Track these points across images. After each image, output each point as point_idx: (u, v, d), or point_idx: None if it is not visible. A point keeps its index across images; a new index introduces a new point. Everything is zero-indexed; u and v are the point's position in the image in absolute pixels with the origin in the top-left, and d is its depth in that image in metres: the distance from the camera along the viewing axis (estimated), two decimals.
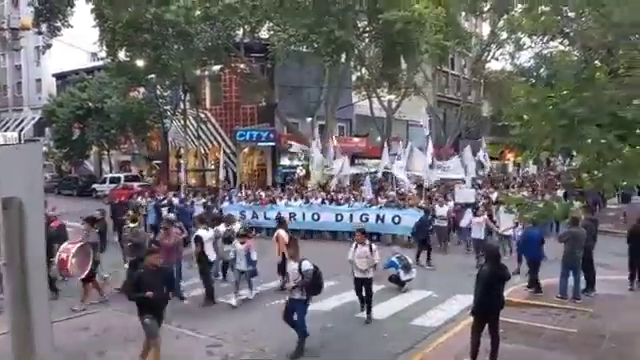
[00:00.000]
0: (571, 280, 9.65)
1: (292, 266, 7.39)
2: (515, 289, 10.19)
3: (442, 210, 15.01)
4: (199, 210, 17.45)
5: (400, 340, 7.91)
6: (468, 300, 8.78)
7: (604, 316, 8.77)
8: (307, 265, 7.19)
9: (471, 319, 6.93)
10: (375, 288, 10.44)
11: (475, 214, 13.46)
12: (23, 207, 2.18)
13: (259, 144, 29.05)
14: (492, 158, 45.31)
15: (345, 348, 7.62)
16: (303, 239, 16.50)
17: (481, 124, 44.51)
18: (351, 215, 16.36)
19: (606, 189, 7.99)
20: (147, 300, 6.38)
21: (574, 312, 8.99)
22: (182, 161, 24.61)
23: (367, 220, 15.88)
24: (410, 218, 15.03)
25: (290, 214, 16.82)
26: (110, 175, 33.20)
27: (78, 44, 24.48)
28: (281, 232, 10.62)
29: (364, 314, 8.79)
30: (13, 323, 2.20)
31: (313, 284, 7.20)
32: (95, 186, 32.20)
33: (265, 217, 17.28)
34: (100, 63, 30.00)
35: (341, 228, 16.76)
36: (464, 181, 20.07)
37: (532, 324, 8.38)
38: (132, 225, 10.88)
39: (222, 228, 11.14)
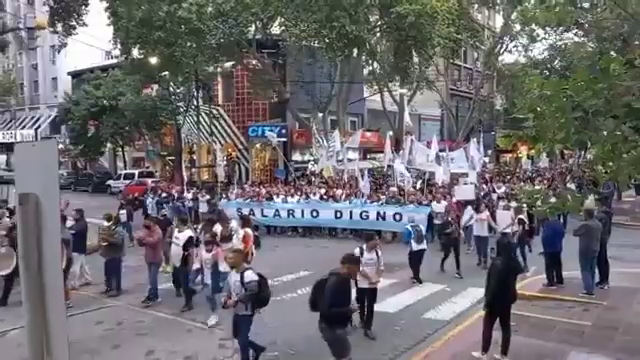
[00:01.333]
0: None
1: (233, 277, 6.48)
2: (528, 282, 10.15)
3: (439, 206, 14.45)
4: (203, 207, 17.76)
5: (411, 333, 7.94)
6: (480, 293, 8.80)
7: (618, 309, 8.70)
8: (250, 276, 6.34)
9: (482, 312, 6.93)
10: (387, 282, 10.53)
11: (477, 210, 12.81)
12: (39, 203, 2.23)
13: (275, 140, 29.12)
14: (505, 151, 45.16)
15: (356, 341, 7.66)
16: (302, 236, 16.87)
17: (494, 117, 44.11)
18: (351, 212, 16.01)
19: (621, 181, 7.88)
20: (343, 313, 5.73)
21: (587, 305, 8.92)
22: (182, 158, 24.41)
23: (367, 218, 15.60)
24: (411, 215, 14.19)
25: (288, 211, 16.72)
26: (124, 171, 33.60)
27: (93, 42, 24.77)
28: (248, 231, 10.02)
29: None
30: (29, 320, 2.21)
31: (258, 297, 6.37)
32: (110, 182, 32.65)
33: (262, 214, 17.06)
34: (114, 61, 30.34)
35: (340, 225, 16.50)
36: (468, 175, 19.46)
37: (544, 317, 8.35)
38: (106, 224, 10.46)
39: (217, 228, 10.26)
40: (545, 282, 10.04)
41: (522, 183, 19.62)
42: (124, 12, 22.43)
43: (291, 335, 7.66)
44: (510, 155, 46.87)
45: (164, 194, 18.89)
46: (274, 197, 17.89)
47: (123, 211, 15.04)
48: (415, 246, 10.70)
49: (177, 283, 9.80)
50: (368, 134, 32.58)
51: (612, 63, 6.79)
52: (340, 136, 20.50)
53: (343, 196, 17.36)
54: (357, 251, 7.51)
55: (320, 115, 27.97)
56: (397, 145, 28.91)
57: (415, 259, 10.81)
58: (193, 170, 31.24)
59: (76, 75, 39.45)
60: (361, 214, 15.74)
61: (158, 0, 21.59)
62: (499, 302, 6.65)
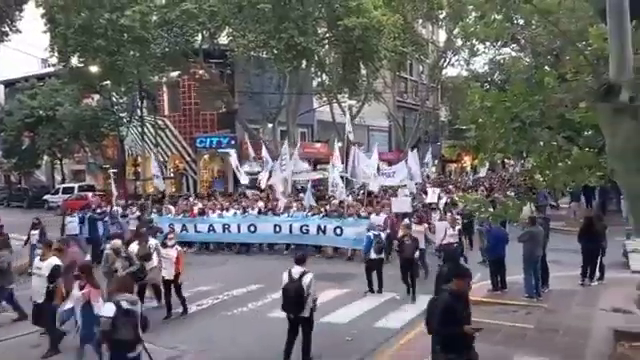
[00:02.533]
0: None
1: (108, 307, 5.47)
2: (473, 288, 10.40)
3: (379, 219, 13.57)
4: (133, 224, 15.58)
5: (363, 342, 7.96)
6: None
7: (558, 311, 9.10)
8: (107, 310, 5.40)
9: None
10: (337, 292, 10.55)
11: (418, 221, 12.40)
12: None
13: (219, 150, 28.68)
14: (451, 161, 46.74)
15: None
16: (237, 253, 15.69)
17: (439, 128, 45.64)
18: (290, 226, 15.02)
19: (557, 188, 8.32)
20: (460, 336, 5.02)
21: (530, 308, 9.28)
22: (111, 173, 22.71)
23: (308, 232, 14.78)
24: (352, 229, 13.85)
25: (224, 225, 15.61)
26: (63, 185, 31.96)
27: (28, 50, 23.54)
28: (180, 249, 9.56)
29: (325, 318, 8.74)
30: None
31: (110, 338, 5.34)
32: (47, 197, 30.93)
33: (196, 230, 15.90)
34: (51, 69, 28.93)
35: (280, 240, 15.47)
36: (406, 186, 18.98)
37: (490, 321, 8.56)
38: None
39: (134, 247, 9.40)
40: (490, 287, 10.37)
41: (461, 192, 19.97)
42: (62, 19, 21.49)
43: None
44: (456, 165, 48.53)
45: (98, 210, 16.53)
46: (209, 212, 16.61)
47: (35, 231, 13.14)
48: (373, 255, 10.66)
49: (40, 323, 7.98)
50: (318, 145, 32.77)
51: (546, 77, 7.17)
52: (290, 147, 20.35)
53: (282, 209, 16.42)
54: (285, 276, 6.90)
55: (270, 126, 27.86)
56: (347, 158, 29.28)
57: (372, 268, 10.70)
58: (138, 183, 30.18)
59: (9, 84, 37.32)
60: (301, 228, 14.84)
61: (98, 7, 20.85)
62: None
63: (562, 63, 8.90)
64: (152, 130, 27.78)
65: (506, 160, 44.06)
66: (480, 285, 10.67)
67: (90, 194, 26.75)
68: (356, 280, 11.35)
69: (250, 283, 11.47)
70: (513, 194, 14.42)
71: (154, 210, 17.29)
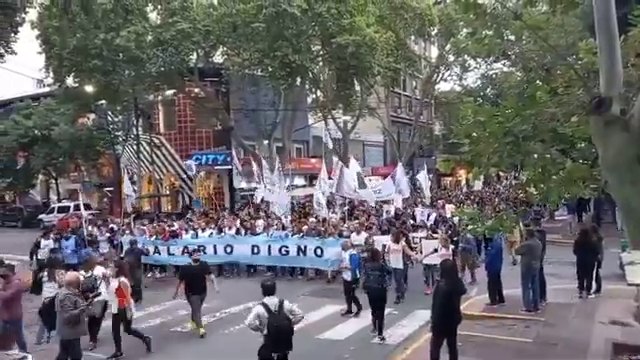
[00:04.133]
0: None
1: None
2: (471, 302, 10.40)
3: (359, 238, 12.66)
4: (104, 247, 15.32)
5: (362, 359, 7.87)
6: (426, 315, 8.90)
7: (556, 325, 9.06)
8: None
9: (430, 334, 7.01)
10: (336, 308, 10.48)
11: (394, 239, 11.59)
12: None
13: (215, 167, 28.70)
14: (445, 175, 46.92)
15: None
16: (218, 275, 14.08)
17: (434, 142, 45.90)
18: (269, 247, 14.04)
19: (552, 201, 8.36)
20: None
21: (528, 322, 9.24)
22: (121, 189, 21.86)
23: (287, 253, 13.81)
24: (332, 249, 12.75)
25: (199, 247, 13.92)
26: (58, 205, 31.77)
27: (23, 71, 23.64)
28: (124, 281, 8.38)
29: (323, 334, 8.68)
30: None
31: None
32: (42, 216, 30.70)
33: (169, 253, 14.67)
34: (46, 89, 29.02)
35: (258, 262, 14.55)
36: (394, 201, 18.97)
37: (488, 336, 8.55)
38: None
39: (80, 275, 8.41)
40: (488, 302, 10.33)
41: (452, 205, 19.85)
42: (57, 40, 21.62)
43: None
44: (451, 178, 48.70)
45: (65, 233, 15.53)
46: (182, 232, 15.70)
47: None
48: (358, 274, 10.28)
49: None
50: (313, 160, 32.86)
51: (538, 91, 7.26)
52: (287, 163, 20.40)
53: (261, 228, 15.60)
54: (261, 311, 5.80)
55: (265, 142, 27.95)
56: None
57: (350, 289, 10.23)
58: (134, 201, 30.10)
59: (4, 104, 37.31)
60: (280, 249, 13.89)
61: (94, 28, 21.02)
62: (445, 323, 6.75)
63: (553, 77, 9.01)
64: (148, 148, 27.80)
65: (501, 173, 44.39)
66: (477, 299, 10.66)
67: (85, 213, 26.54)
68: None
69: (246, 300, 11.35)
70: (505, 207, 14.35)
71: (127, 232, 16.04)
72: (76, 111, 27.19)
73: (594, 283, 10.87)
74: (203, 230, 15.75)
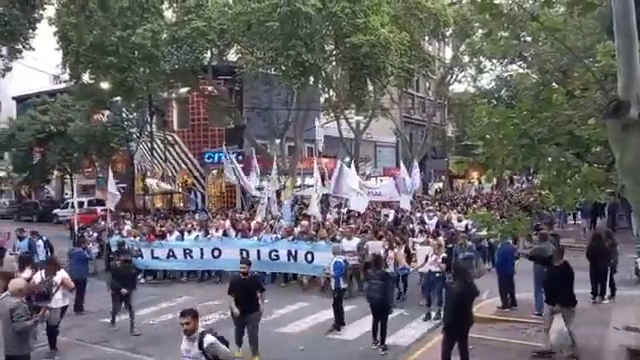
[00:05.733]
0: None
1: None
2: (482, 305, 10.32)
3: (350, 244, 11.89)
4: (93, 250, 14.36)
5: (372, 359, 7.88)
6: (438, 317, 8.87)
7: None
8: None
9: (441, 336, 6.98)
10: (346, 308, 10.45)
11: (389, 246, 11.16)
12: None
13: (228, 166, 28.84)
14: (457, 176, 46.67)
15: None
16: (201, 281, 13.95)
17: (446, 144, 45.67)
18: (258, 251, 12.99)
19: (566, 205, 8.27)
20: None
21: (540, 326, 9.13)
22: (134, 186, 22.21)
23: (278, 258, 12.90)
24: (323, 255, 11.74)
25: (185, 250, 13.60)
26: (72, 200, 32.19)
27: (40, 67, 23.96)
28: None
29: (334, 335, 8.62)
30: None
31: None
32: (56, 211, 31.14)
33: (153, 256, 13.82)
34: (63, 86, 29.39)
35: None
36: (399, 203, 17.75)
37: (500, 339, 8.48)
38: None
39: (37, 277, 8.21)
40: (500, 305, 10.25)
41: (457, 209, 19.31)
42: (74, 36, 21.91)
43: None
44: (463, 180, 48.43)
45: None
46: (167, 234, 14.79)
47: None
48: (342, 284, 9.64)
49: None
50: (325, 160, 32.87)
51: (554, 93, 7.19)
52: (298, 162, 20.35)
53: (251, 231, 14.57)
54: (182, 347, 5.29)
55: (277, 141, 28.02)
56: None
57: (335, 299, 9.41)
58: (147, 198, 30.36)
59: (21, 100, 37.88)
60: (270, 253, 12.96)
61: (110, 25, 21.26)
62: (457, 325, 6.71)
63: (570, 80, 8.92)
64: (161, 145, 28.03)
65: (514, 176, 44.01)
66: (489, 302, 10.57)
67: (99, 208, 26.87)
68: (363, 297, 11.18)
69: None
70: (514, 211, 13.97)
71: (115, 232, 15.48)
72: (91, 107, 27.49)
73: (608, 288, 10.73)
74: (190, 232, 14.77)
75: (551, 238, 10.44)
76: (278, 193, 25.21)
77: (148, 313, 10.62)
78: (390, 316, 10.12)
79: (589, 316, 9.79)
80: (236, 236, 14.29)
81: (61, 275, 8.44)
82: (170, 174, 29.81)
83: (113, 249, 13.19)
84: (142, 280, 13.20)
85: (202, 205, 26.89)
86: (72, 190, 35.17)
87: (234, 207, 25.33)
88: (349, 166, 17.30)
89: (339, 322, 9.30)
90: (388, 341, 8.68)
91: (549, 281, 8.02)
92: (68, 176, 34.57)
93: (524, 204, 20.58)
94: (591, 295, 10.65)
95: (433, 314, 9.82)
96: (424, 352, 8.08)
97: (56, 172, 34.45)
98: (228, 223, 15.85)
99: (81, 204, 29.98)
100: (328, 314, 9.69)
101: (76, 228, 16.20)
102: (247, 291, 7.71)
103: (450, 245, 11.71)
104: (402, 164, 20.88)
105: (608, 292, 10.73)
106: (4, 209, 35.61)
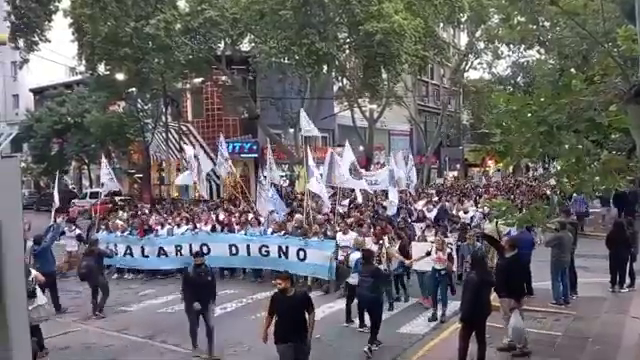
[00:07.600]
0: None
1: None
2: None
3: (346, 239, 11.32)
4: (71, 244, 13.57)
5: (387, 348, 7.90)
6: (454, 306, 8.87)
7: (587, 319, 8.88)
8: None
9: (457, 326, 6.97)
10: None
11: (376, 240, 10.43)
12: (1, 227, 2.09)
13: (242, 156, 28.96)
14: (473, 165, 46.23)
15: (332, 357, 7.59)
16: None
17: (461, 132, 45.20)
18: (248, 246, 12.35)
19: (585, 193, 8.15)
20: None
21: (558, 315, 9.08)
22: (150, 176, 22.84)
23: (268, 254, 12.11)
24: (316, 252, 11.34)
25: (176, 247, 12.94)
26: (90, 190, 32.67)
27: (56, 58, 24.28)
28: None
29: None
30: None
31: None
32: (74, 201, 31.65)
33: (143, 254, 13.11)
34: (79, 77, 29.71)
35: (237, 264, 12.88)
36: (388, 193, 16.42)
37: None
38: None
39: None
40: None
41: (464, 199, 18.69)
42: (89, 28, 22.06)
43: None
44: (478, 169, 47.99)
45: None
46: (157, 228, 13.98)
47: None
48: (352, 280, 9.00)
49: None
50: (339, 149, 32.79)
51: (573, 79, 7.04)
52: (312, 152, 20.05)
53: (239, 225, 13.82)
54: None
55: (291, 131, 28.00)
56: (367, 163, 29.20)
57: (354, 295, 8.75)
58: (162, 187, 30.70)
59: (38, 92, 38.41)
60: (260, 249, 12.20)
61: (124, 16, 21.35)
62: (475, 315, 6.70)
63: (590, 65, 8.74)
64: (176, 136, 28.23)
65: (530, 164, 43.42)
66: None
67: (117, 198, 27.23)
68: None
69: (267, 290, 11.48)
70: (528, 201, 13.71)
71: (102, 227, 14.81)
72: (107, 99, 27.78)
73: (627, 277, 10.59)
74: (178, 226, 14.07)
75: (570, 227, 10.33)
76: (292, 183, 25.45)
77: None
78: (407, 304, 10.20)
79: (607, 305, 9.71)
80: (222, 231, 13.45)
81: (34, 272, 7.96)
82: (185, 165, 30.04)
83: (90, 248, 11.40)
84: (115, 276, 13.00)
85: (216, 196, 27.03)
86: (90, 181, 35.81)
87: (247, 197, 25.46)
88: (340, 155, 16.10)
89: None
90: (404, 329, 8.72)
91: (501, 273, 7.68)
92: (85, 167, 35.11)
93: (538, 193, 20.30)
94: (610, 284, 10.54)
95: (439, 314, 9.15)
96: (440, 340, 8.08)
97: (74, 163, 34.97)
98: (222, 216, 15.11)
99: (97, 194, 30.50)
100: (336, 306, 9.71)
101: (94, 217, 16.14)
102: (293, 310, 6.22)
103: (458, 243, 11.08)
104: (392, 156, 19.79)
105: (627, 281, 10.60)
106: (24, 200, 36.34)
